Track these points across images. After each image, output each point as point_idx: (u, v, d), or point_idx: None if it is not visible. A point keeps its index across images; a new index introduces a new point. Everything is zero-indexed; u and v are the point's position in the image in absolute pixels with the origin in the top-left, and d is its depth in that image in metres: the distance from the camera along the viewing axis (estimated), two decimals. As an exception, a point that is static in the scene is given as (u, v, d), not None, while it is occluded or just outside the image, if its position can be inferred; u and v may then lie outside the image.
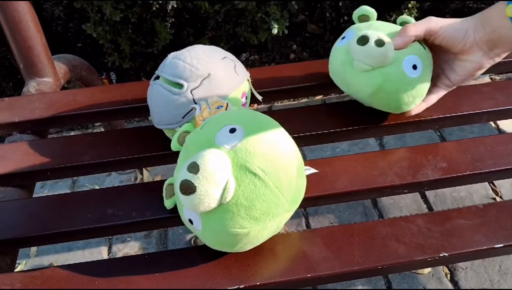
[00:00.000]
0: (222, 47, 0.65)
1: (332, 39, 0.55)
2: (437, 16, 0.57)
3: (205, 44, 0.62)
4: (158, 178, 1.21)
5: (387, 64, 0.56)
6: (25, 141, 0.66)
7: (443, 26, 0.55)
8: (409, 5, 1.19)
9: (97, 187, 1.19)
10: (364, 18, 0.61)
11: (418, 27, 0.55)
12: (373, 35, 0.55)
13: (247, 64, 1.45)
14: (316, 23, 1.55)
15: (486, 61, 0.54)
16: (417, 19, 0.60)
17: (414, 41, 0.56)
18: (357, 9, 0.61)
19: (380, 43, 0.54)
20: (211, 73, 0.57)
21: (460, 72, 0.57)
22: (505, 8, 0.48)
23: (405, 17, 0.60)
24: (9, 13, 0.76)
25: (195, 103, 0.56)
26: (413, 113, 0.61)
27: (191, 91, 0.56)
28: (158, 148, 0.62)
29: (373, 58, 0.55)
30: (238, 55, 0.54)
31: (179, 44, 1.33)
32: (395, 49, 0.55)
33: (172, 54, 0.60)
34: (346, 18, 1.51)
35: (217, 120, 0.48)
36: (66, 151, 0.63)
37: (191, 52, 0.58)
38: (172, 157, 0.57)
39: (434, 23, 0.55)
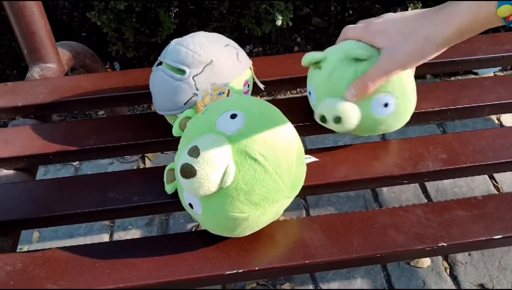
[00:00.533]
0: (226, 38, 0.65)
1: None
2: None
3: (208, 34, 0.62)
4: (160, 168, 1.21)
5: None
6: (28, 125, 0.66)
7: (403, 62, 0.48)
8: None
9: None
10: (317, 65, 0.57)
11: (375, 80, 0.50)
12: (329, 113, 0.53)
13: (251, 56, 1.45)
14: (321, 16, 1.54)
15: None
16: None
17: None
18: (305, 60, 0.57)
19: (337, 120, 0.53)
20: (213, 59, 0.57)
21: None
22: (495, 9, 0.41)
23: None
24: (14, -1, 0.76)
25: (197, 89, 0.56)
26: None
27: (193, 77, 0.56)
28: (160, 134, 0.63)
29: (342, 129, 0.55)
30: (242, 47, 0.54)
31: (183, 34, 1.31)
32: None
33: (175, 40, 0.60)
34: (350, 12, 1.50)
35: (219, 106, 0.49)
36: (69, 136, 0.64)
37: (194, 38, 0.58)
38: (174, 143, 0.57)
39: (392, 67, 0.49)
